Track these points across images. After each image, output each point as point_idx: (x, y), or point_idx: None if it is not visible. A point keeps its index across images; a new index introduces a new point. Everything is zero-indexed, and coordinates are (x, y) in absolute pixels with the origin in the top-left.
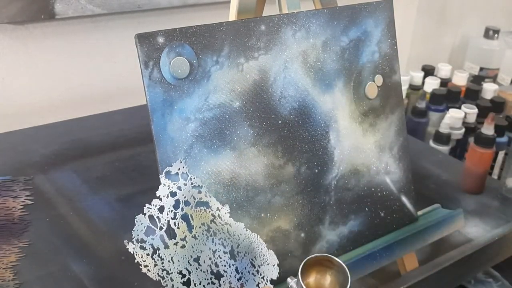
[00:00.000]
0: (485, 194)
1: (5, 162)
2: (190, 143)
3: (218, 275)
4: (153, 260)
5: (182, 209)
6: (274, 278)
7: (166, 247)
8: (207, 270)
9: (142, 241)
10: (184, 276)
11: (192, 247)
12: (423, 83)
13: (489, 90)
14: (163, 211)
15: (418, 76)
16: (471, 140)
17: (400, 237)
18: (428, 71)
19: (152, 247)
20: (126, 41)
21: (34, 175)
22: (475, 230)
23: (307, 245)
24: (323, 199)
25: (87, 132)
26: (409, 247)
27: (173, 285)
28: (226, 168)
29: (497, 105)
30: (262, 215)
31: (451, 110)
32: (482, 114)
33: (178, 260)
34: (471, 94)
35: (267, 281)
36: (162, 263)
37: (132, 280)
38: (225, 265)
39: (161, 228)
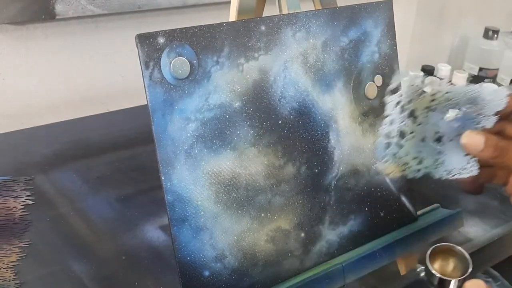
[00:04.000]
0: (485, 194)
1: (5, 162)
2: (191, 143)
3: (439, 139)
4: (395, 164)
5: (407, 109)
6: (501, 108)
7: (400, 146)
8: (432, 142)
9: (384, 157)
10: (416, 158)
11: (419, 132)
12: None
13: None
14: (392, 123)
15: None
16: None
17: (400, 237)
18: (428, 71)
19: (392, 155)
20: (127, 42)
21: (34, 175)
22: (474, 230)
23: (307, 244)
24: (323, 199)
25: (87, 132)
26: (409, 247)
27: (412, 170)
28: (226, 168)
29: None
30: (262, 215)
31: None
32: None
33: (411, 150)
34: None
35: (491, 115)
36: (402, 159)
37: (132, 280)
38: (443, 127)
39: (394, 137)
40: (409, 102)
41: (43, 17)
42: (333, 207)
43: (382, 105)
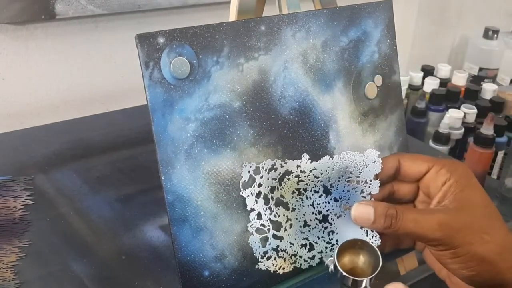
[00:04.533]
0: None
1: (5, 162)
2: (191, 143)
3: (325, 219)
4: (281, 258)
5: (272, 198)
6: (379, 170)
7: (280, 238)
8: (316, 224)
9: (265, 253)
10: (305, 245)
11: (296, 218)
12: (422, 83)
13: (488, 90)
14: (261, 216)
15: (417, 76)
16: (470, 140)
17: None
18: (428, 71)
19: (274, 250)
20: (127, 42)
21: (34, 175)
22: None
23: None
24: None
25: (87, 132)
26: (409, 247)
27: (304, 260)
28: (226, 168)
29: (496, 105)
30: None
31: (450, 110)
32: (482, 114)
33: (295, 239)
34: (471, 94)
35: (371, 180)
36: (287, 252)
37: (132, 280)
38: (325, 205)
39: (269, 230)
40: (272, 190)
41: (43, 17)
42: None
43: (382, 105)
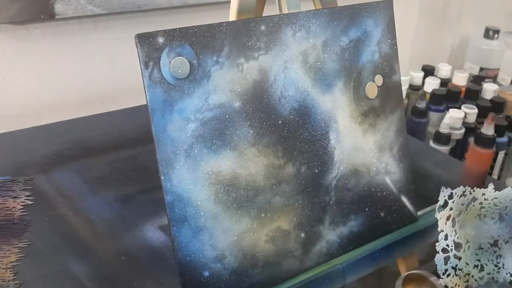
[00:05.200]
0: None
1: (5, 162)
2: (190, 143)
3: (495, 243)
4: (458, 277)
5: (458, 221)
6: None
7: (459, 258)
8: (488, 247)
9: (446, 271)
10: (477, 266)
11: (474, 241)
12: (423, 83)
13: (489, 90)
14: (447, 237)
15: (418, 76)
16: (471, 140)
17: (400, 237)
18: (428, 71)
19: (453, 268)
20: (126, 41)
21: (34, 175)
22: None
23: (307, 245)
24: (323, 199)
25: (87, 132)
26: (409, 248)
27: (475, 279)
28: (226, 168)
29: (497, 105)
30: (262, 215)
31: (451, 110)
32: (482, 114)
33: (470, 259)
34: (471, 94)
35: None
36: (463, 271)
37: (132, 280)
38: (497, 231)
39: (451, 250)
40: (459, 214)
41: (42, 17)
42: (333, 207)
43: (383, 105)
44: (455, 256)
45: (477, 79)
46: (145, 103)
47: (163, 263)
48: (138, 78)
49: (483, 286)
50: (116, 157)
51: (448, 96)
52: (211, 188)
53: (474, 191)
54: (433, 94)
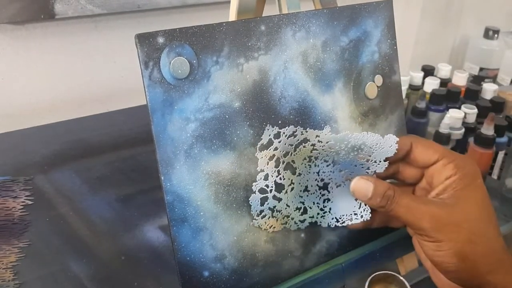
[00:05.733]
0: None
1: (5, 162)
2: (190, 143)
3: (325, 186)
4: (274, 218)
5: (283, 162)
6: (391, 155)
7: (279, 200)
8: (315, 190)
9: (261, 212)
10: (299, 209)
11: (299, 183)
12: (423, 83)
13: (489, 90)
14: (267, 178)
15: (418, 76)
16: (471, 140)
17: (400, 237)
18: (428, 71)
19: (270, 209)
20: (126, 41)
21: (34, 175)
22: None
23: (307, 245)
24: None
25: (87, 132)
26: (409, 248)
27: (295, 222)
28: (226, 168)
29: (497, 105)
30: None
31: (451, 110)
32: (482, 114)
33: (292, 201)
34: (471, 94)
35: (380, 161)
36: (281, 213)
37: (132, 280)
38: (329, 174)
39: (271, 191)
40: (285, 155)
41: (42, 16)
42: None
43: (383, 105)
44: (274, 197)
45: (477, 79)
46: (145, 103)
47: (163, 263)
48: (138, 78)
49: (304, 230)
50: (116, 157)
51: (448, 96)
52: (211, 188)
53: (307, 131)
54: (433, 94)
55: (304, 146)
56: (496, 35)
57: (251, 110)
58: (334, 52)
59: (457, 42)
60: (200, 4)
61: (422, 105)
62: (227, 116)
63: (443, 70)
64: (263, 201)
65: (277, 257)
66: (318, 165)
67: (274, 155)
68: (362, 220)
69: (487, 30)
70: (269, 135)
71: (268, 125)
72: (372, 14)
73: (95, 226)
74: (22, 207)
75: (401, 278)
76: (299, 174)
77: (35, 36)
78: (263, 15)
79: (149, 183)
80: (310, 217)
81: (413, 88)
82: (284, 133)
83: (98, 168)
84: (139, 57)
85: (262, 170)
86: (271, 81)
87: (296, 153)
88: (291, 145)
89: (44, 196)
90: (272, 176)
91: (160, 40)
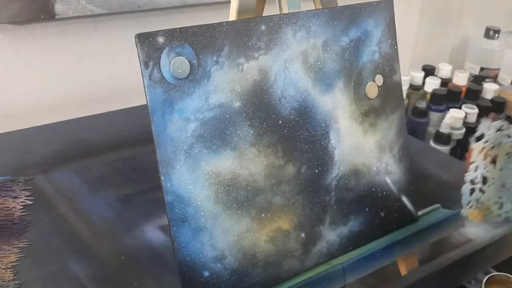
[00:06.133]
0: None
1: (5, 162)
2: (190, 143)
3: None
4: (478, 209)
5: (489, 155)
6: None
7: (483, 192)
8: (510, 186)
9: (469, 202)
10: (497, 203)
11: (500, 178)
12: (423, 83)
13: (489, 90)
14: (477, 169)
15: (418, 76)
16: (471, 140)
17: (400, 237)
18: (429, 71)
19: (476, 201)
20: (126, 41)
21: (34, 175)
22: (475, 230)
23: (307, 245)
24: (323, 199)
25: (87, 132)
26: (409, 247)
27: (492, 216)
28: (226, 168)
29: (497, 105)
30: (263, 215)
31: (451, 110)
32: (483, 114)
33: (493, 195)
34: (472, 94)
35: None
36: (485, 205)
37: (132, 280)
38: None
39: (478, 183)
40: (492, 148)
41: (42, 16)
42: (333, 208)
43: (383, 105)
44: (480, 190)
45: (478, 79)
46: (145, 103)
47: (163, 263)
48: (138, 78)
49: (499, 223)
50: (116, 157)
51: (449, 96)
52: (211, 188)
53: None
54: (434, 94)
55: (506, 142)
56: (496, 35)
57: (251, 110)
58: (334, 52)
59: (457, 42)
60: (200, 4)
61: (422, 105)
62: (227, 116)
63: (444, 70)
64: (471, 191)
65: (277, 257)
66: None
67: (484, 148)
68: None
69: (487, 30)
70: (485, 128)
71: (482, 119)
72: (373, 13)
73: (95, 226)
74: (22, 207)
75: None
76: (500, 169)
77: (35, 36)
78: (263, 15)
79: (149, 183)
80: (505, 212)
81: (413, 88)
82: (495, 126)
83: (98, 168)
84: (139, 57)
85: (474, 161)
86: (272, 81)
87: (501, 148)
88: (497, 139)
89: (44, 196)
90: (480, 168)
91: (160, 40)
